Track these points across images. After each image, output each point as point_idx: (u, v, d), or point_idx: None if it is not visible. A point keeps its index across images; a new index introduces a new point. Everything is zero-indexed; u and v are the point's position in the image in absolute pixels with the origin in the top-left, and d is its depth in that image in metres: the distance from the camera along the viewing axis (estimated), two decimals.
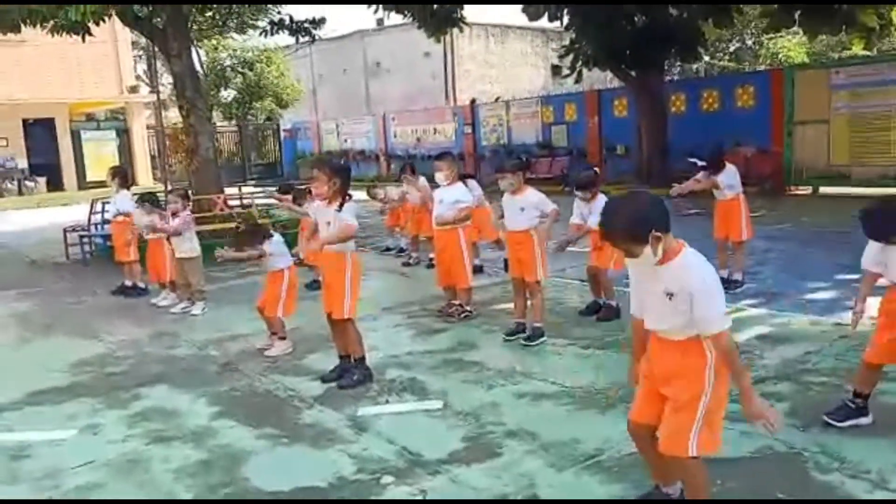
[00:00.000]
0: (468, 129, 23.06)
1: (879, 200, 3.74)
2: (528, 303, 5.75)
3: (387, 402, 4.59)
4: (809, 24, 15.22)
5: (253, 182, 25.58)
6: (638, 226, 2.60)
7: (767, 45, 31.82)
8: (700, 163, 6.98)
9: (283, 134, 31.11)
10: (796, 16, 15.09)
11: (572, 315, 6.34)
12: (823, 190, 15.01)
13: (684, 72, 30.10)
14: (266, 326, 5.81)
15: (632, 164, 17.98)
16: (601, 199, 5.99)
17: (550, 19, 16.65)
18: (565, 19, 16.51)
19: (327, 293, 4.94)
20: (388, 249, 10.58)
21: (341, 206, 4.76)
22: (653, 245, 2.59)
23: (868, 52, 17.06)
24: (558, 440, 3.84)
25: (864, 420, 3.72)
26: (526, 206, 5.64)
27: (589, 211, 6.04)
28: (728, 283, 6.92)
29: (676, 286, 2.63)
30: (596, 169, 6.90)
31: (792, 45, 31.41)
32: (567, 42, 18.32)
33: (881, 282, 3.81)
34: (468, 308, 6.53)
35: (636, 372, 3.00)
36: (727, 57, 34.22)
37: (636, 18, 16.65)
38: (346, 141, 27.82)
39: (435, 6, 16.15)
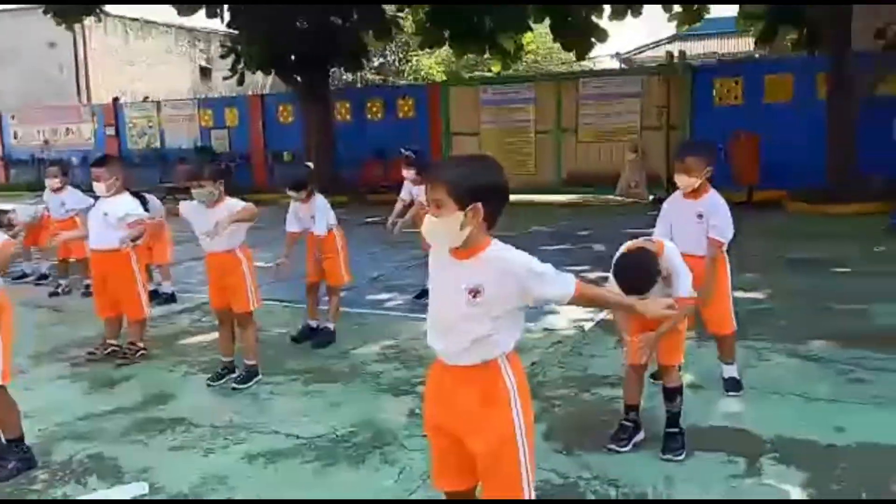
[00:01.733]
0: (111, 131, 20.38)
1: (630, 255, 3.45)
2: (238, 338, 4.87)
3: (64, 496, 3.38)
4: (458, 43, 16.41)
5: None
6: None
7: (412, 62, 34.07)
8: (408, 153, 6.74)
9: None
10: (446, 35, 16.16)
11: (282, 343, 5.59)
12: None
13: (341, 81, 30.64)
14: None
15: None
16: (319, 199, 5.40)
17: (209, 15, 15.36)
18: (226, 16, 15.38)
19: None
20: (23, 276, 8.54)
21: None
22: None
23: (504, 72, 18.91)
24: None
25: (640, 436, 3.65)
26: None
27: (310, 214, 5.38)
28: None
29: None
30: (309, 164, 6.15)
31: (431, 63, 34.21)
32: (218, 43, 17.18)
33: None
34: (141, 345, 5.38)
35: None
36: (371, 70, 35.88)
37: (298, 23, 16.22)
38: None
39: None
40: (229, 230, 4.61)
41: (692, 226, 4.04)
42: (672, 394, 3.56)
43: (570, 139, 15.16)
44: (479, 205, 2.13)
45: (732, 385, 4.26)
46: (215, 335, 5.19)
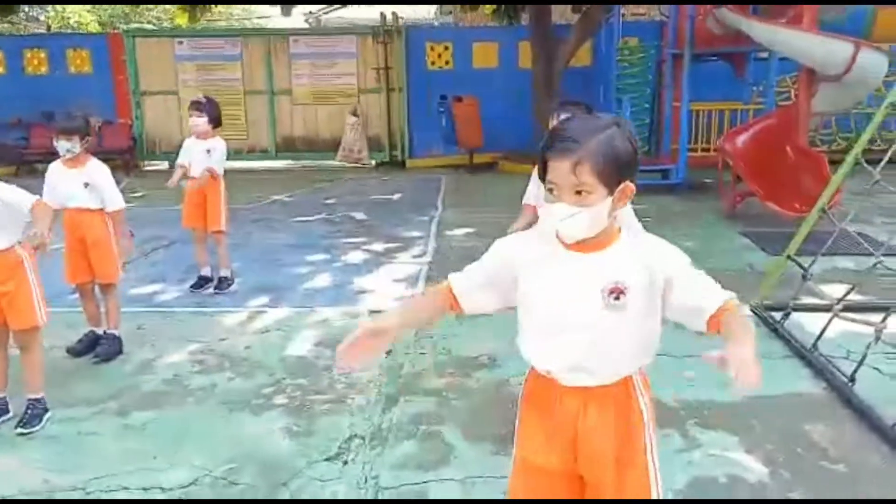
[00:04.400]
0: None
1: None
2: (27, 364, 3.56)
3: None
4: None
5: None
6: None
7: (57, 10, 29.11)
8: (200, 98, 5.72)
9: None
10: None
11: (54, 360, 4.24)
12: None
13: None
14: None
15: None
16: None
17: None
18: None
19: None
20: None
21: None
22: None
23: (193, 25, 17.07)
24: None
25: None
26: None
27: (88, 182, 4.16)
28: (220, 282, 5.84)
29: None
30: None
31: (81, 11, 29.64)
32: None
33: None
34: None
35: None
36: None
37: None
38: None
39: None
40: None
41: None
42: None
43: (284, 101, 14.28)
44: (629, 182, 1.66)
45: None
46: None
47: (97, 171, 4.22)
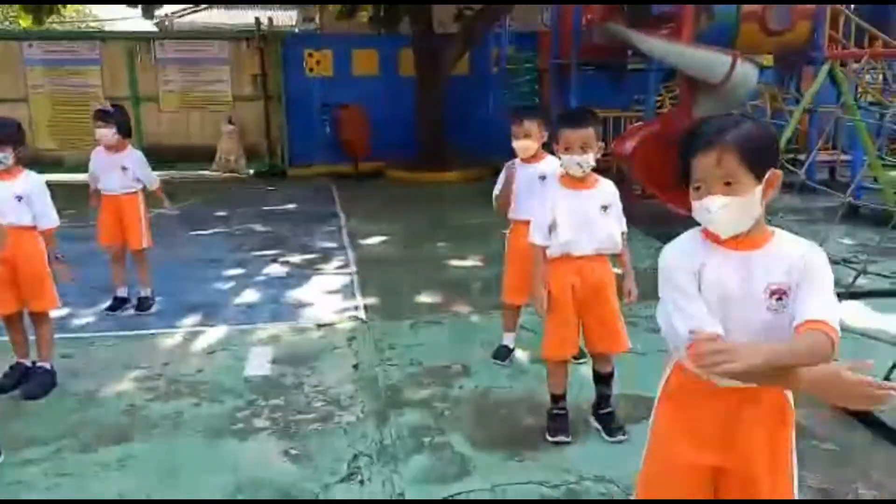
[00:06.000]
0: None
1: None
2: None
3: None
4: None
5: None
6: None
7: None
8: (105, 106, 5.24)
9: None
10: None
11: None
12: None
13: None
14: None
15: None
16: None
17: None
18: None
19: None
20: None
21: None
22: None
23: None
24: None
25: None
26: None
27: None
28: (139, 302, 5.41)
29: None
30: None
31: None
32: None
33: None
34: None
35: None
36: None
37: None
38: None
39: None
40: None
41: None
42: (610, 378, 3.47)
43: (150, 108, 13.40)
44: (775, 170, 1.72)
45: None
46: None
47: (31, 183, 3.78)
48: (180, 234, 8.18)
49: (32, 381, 3.95)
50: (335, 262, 6.88)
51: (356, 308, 5.41)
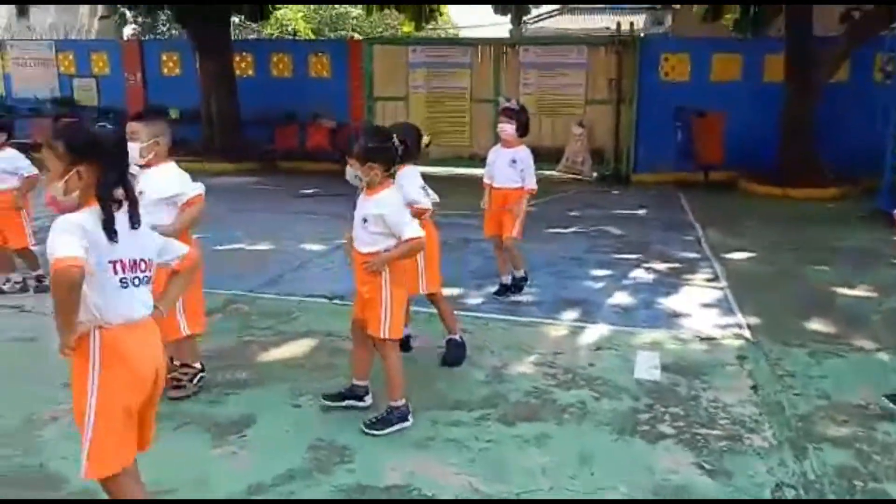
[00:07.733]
0: None
1: None
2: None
3: None
4: None
5: None
6: None
7: (277, 17, 31.30)
8: (510, 103, 5.66)
9: None
10: None
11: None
12: None
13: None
14: None
15: (194, 132, 15.14)
16: None
17: None
18: None
19: None
20: None
21: None
22: None
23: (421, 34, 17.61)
24: None
25: None
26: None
27: None
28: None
29: None
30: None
31: (296, 16, 31.68)
32: None
33: None
34: (197, 366, 3.98)
35: None
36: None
37: None
38: None
39: None
40: None
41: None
42: None
43: None
44: None
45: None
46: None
47: None
48: (537, 231, 8.57)
49: (450, 351, 4.42)
50: (702, 274, 6.64)
51: (739, 326, 5.16)
